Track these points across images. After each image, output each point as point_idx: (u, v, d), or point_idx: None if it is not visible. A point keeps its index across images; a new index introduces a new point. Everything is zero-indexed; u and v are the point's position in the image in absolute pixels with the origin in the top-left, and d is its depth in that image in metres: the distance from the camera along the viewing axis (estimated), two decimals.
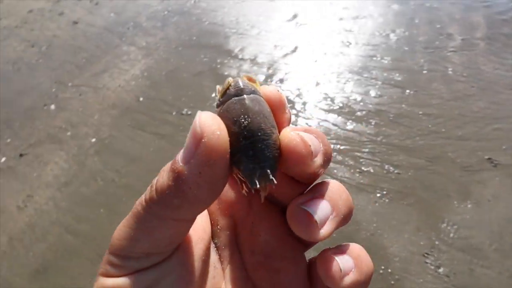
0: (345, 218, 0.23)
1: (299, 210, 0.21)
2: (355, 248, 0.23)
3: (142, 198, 0.22)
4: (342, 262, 0.22)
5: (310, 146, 0.20)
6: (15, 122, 2.43)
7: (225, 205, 0.26)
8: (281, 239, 0.25)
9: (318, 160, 0.21)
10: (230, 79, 0.22)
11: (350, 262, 0.22)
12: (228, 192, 0.27)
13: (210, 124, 0.19)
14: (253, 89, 0.22)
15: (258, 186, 0.20)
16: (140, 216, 0.21)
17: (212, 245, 0.26)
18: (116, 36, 3.25)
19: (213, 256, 0.25)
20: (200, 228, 0.24)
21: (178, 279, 0.22)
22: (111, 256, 0.21)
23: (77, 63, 2.95)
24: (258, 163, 0.20)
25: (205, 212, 0.26)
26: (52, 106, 2.51)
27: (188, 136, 0.19)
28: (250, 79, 0.23)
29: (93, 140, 2.17)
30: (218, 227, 0.26)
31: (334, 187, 0.23)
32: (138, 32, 3.26)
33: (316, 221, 0.21)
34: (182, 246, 0.22)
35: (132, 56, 2.93)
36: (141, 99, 2.44)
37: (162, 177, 0.20)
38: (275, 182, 0.20)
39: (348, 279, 0.22)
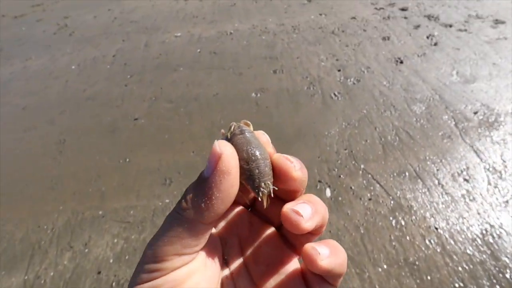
0: (324, 218, 0.29)
1: (290, 210, 0.27)
2: (331, 241, 0.29)
3: (171, 211, 0.27)
4: (320, 248, 0.27)
5: (292, 161, 0.29)
6: None
7: (231, 227, 0.33)
8: (278, 249, 0.31)
9: (299, 172, 0.29)
10: (234, 123, 0.30)
11: (327, 249, 0.28)
12: (233, 216, 0.33)
13: (226, 145, 0.26)
14: (250, 130, 0.31)
15: (265, 193, 0.28)
16: (173, 224, 0.25)
17: (224, 262, 0.31)
18: (452, 119, 2.13)
19: (225, 271, 0.31)
20: (212, 246, 0.30)
21: (203, 277, 0.27)
22: (146, 265, 0.25)
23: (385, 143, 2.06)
24: (263, 178, 0.28)
25: (216, 235, 0.32)
26: None
27: (209, 157, 0.26)
28: (246, 124, 0.31)
29: None
30: (227, 245, 0.32)
31: (313, 197, 0.30)
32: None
33: (302, 216, 0.27)
34: (202, 255, 0.28)
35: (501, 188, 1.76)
36: None
37: (189, 190, 0.27)
38: (276, 189, 0.29)
39: (326, 259, 0.27)
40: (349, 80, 2.53)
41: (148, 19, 3.93)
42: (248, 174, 0.28)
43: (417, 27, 3.17)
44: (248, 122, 0.32)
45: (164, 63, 2.97)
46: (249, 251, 0.32)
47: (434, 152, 1.90)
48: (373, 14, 3.47)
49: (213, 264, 0.29)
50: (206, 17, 3.81)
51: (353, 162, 1.86)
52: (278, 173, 0.29)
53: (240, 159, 0.27)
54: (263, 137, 0.31)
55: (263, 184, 0.28)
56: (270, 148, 0.31)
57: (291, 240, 0.32)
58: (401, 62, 2.68)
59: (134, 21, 3.93)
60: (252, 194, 0.32)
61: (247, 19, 3.67)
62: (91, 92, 2.70)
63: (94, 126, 2.30)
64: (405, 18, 3.34)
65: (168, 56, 3.06)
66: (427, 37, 2.98)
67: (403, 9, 3.51)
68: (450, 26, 3.13)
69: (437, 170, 1.79)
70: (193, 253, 0.26)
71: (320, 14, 3.59)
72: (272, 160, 0.30)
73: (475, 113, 2.14)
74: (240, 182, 0.27)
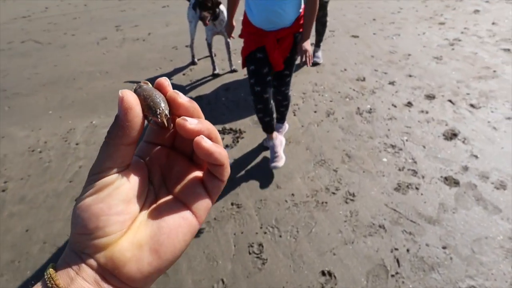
0: (211, 131, 0.35)
1: (180, 118, 0.34)
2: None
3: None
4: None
5: (179, 93, 0.35)
6: None
7: (153, 159, 0.39)
8: (186, 167, 0.39)
9: (185, 99, 0.35)
10: (135, 84, 0.36)
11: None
12: (155, 152, 0.39)
13: (126, 91, 0.32)
14: (148, 85, 0.36)
15: (162, 114, 0.33)
16: (103, 147, 0.33)
17: (149, 181, 0.38)
18: None
19: (150, 186, 0.38)
20: (139, 167, 0.37)
21: (129, 182, 0.34)
22: (88, 177, 0.33)
23: None
24: (157, 106, 0.33)
25: (144, 164, 0.38)
26: None
27: (118, 102, 0.32)
28: (145, 82, 0.36)
29: None
30: (151, 170, 0.38)
31: (207, 121, 0.36)
32: None
33: (187, 120, 0.33)
34: (130, 169, 0.35)
35: None
36: None
37: (111, 125, 0.33)
38: (169, 112, 0.34)
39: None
40: None
41: None
42: (147, 108, 0.34)
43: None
44: (147, 81, 0.37)
45: None
46: (166, 172, 0.40)
47: None
48: None
49: (138, 177, 0.36)
50: None
51: None
52: (170, 104, 0.35)
53: (141, 100, 0.34)
54: (164, 82, 0.36)
55: (158, 110, 0.34)
56: (169, 89, 0.36)
57: (198, 163, 0.40)
58: None
59: None
60: (169, 131, 0.39)
61: None
62: None
63: None
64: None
65: None
66: None
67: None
68: None
69: None
70: (121, 166, 0.34)
71: None
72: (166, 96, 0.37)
73: None
74: (147, 116, 0.34)
